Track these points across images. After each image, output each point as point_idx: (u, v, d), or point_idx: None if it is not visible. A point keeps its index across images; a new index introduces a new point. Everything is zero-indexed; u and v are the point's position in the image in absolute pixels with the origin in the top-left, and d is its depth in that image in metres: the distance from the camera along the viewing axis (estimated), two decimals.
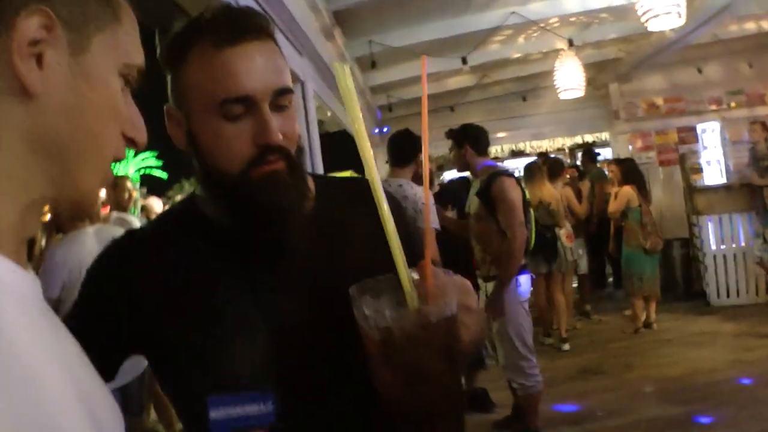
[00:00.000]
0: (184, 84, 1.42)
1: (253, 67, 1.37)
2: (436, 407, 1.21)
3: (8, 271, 0.84)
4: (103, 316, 1.48)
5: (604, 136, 14.08)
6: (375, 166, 1.25)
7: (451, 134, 5.93)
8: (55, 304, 4.38)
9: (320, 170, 5.48)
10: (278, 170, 1.41)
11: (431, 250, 1.24)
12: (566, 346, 8.64)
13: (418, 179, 5.28)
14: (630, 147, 12.38)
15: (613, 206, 9.39)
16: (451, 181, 8.98)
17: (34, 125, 0.86)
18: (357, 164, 1.33)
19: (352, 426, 1.44)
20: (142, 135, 1.02)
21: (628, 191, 9.13)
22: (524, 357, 5.43)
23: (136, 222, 6.48)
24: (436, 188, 7.01)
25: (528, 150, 15.43)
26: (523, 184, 5.74)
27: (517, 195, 5.36)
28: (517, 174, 9.89)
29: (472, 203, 5.74)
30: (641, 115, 12.48)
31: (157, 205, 9.02)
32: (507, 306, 5.36)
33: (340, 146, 6.11)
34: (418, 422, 1.22)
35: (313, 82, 6.39)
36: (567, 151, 15.05)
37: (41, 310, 0.90)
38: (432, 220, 3.86)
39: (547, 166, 9.71)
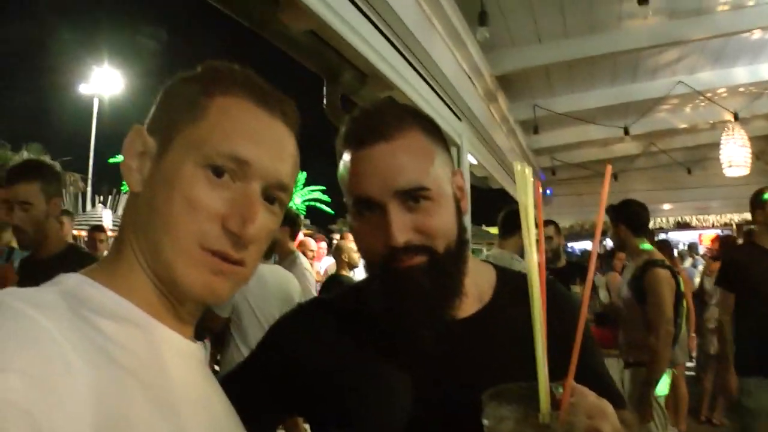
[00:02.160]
0: (340, 179, 1.50)
1: (373, 171, 1.41)
2: None
3: (182, 342, 1.08)
4: (273, 373, 1.58)
5: None
6: (536, 268, 1.22)
7: (609, 210, 5.78)
8: (225, 321, 4.94)
9: (468, 224, 5.51)
10: (414, 266, 1.41)
11: (574, 365, 1.22)
12: None
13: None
14: None
15: None
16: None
17: (137, 216, 1.07)
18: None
19: None
20: (243, 228, 1.05)
21: None
22: None
23: (306, 263, 6.68)
24: (563, 263, 6.79)
25: (694, 223, 14.93)
26: (678, 276, 5.48)
27: (669, 290, 5.16)
28: (682, 246, 9.58)
29: (623, 288, 5.62)
30: None
31: (312, 245, 9.21)
32: (636, 399, 5.19)
33: (498, 203, 6.13)
34: None
35: (470, 144, 6.43)
36: (735, 226, 14.45)
37: (205, 371, 1.14)
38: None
39: (717, 246, 9.37)
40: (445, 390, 1.44)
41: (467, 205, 1.59)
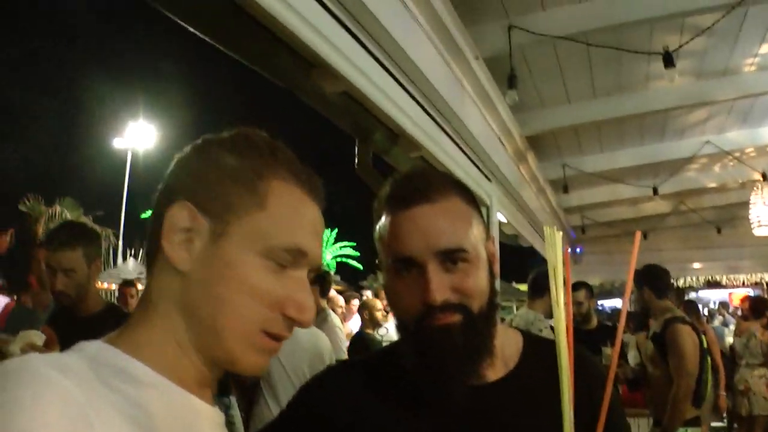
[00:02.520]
0: (377, 236, 1.55)
1: (416, 230, 1.45)
2: None
3: (192, 400, 1.07)
4: None
5: None
6: (565, 329, 1.31)
7: (634, 275, 5.80)
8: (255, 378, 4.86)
9: (497, 281, 5.54)
10: (450, 324, 1.44)
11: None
12: None
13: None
14: None
15: None
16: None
17: (184, 295, 1.05)
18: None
19: None
20: (302, 315, 1.09)
21: None
22: None
23: (337, 321, 6.72)
24: (594, 324, 6.77)
25: (724, 281, 14.83)
26: (702, 333, 5.51)
27: (690, 344, 5.21)
28: (712, 305, 9.53)
29: (649, 346, 5.65)
30: None
31: (341, 301, 9.25)
32: None
33: (528, 259, 6.19)
34: None
35: (499, 203, 6.48)
36: (765, 285, 14.35)
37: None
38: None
39: (747, 305, 9.32)
40: None
41: (498, 268, 1.63)
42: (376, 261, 1.61)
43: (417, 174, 1.59)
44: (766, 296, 13.09)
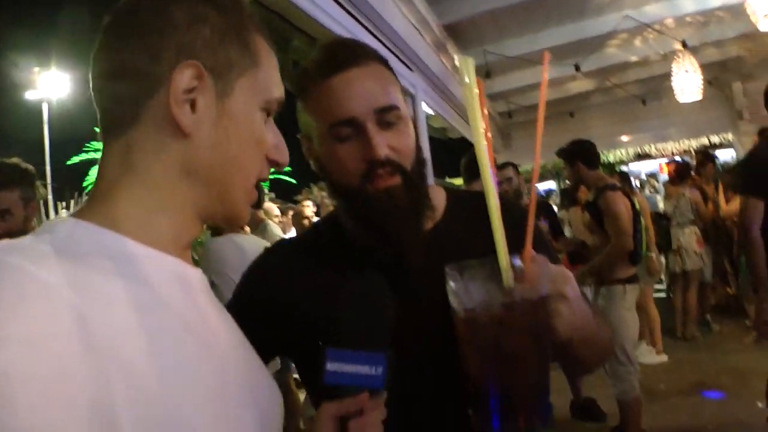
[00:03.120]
0: (305, 114, 1.62)
1: (353, 92, 1.52)
2: (516, 388, 1.29)
3: (185, 267, 1.07)
4: (253, 319, 1.54)
5: (730, 136, 13.58)
6: (489, 167, 1.35)
7: (562, 153, 6.12)
8: None
9: (431, 176, 5.60)
10: (393, 186, 1.53)
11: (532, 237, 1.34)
12: (661, 358, 8.55)
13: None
14: None
15: (726, 209, 9.17)
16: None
17: (189, 158, 1.04)
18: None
19: (449, 402, 1.50)
20: (284, 157, 1.18)
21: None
22: (622, 363, 5.53)
23: (277, 230, 6.82)
24: (526, 202, 6.92)
25: (653, 153, 15.09)
26: (632, 197, 5.83)
27: (622, 206, 5.57)
28: (643, 177, 9.74)
29: (585, 216, 6.09)
30: (766, 114, 11.94)
31: (276, 210, 9.32)
32: (612, 313, 5.57)
33: (459, 153, 6.19)
34: (493, 398, 1.29)
35: (424, 94, 6.49)
36: (693, 153, 14.63)
37: (212, 297, 1.14)
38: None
39: (673, 170, 9.58)
40: (417, 297, 1.54)
41: (415, 129, 1.67)
42: (298, 135, 1.67)
43: (341, 42, 1.66)
44: (692, 162, 13.40)
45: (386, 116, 1.53)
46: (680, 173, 9.75)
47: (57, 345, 0.77)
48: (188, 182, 1.05)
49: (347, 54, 1.56)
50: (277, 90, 1.16)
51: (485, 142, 1.35)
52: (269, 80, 1.14)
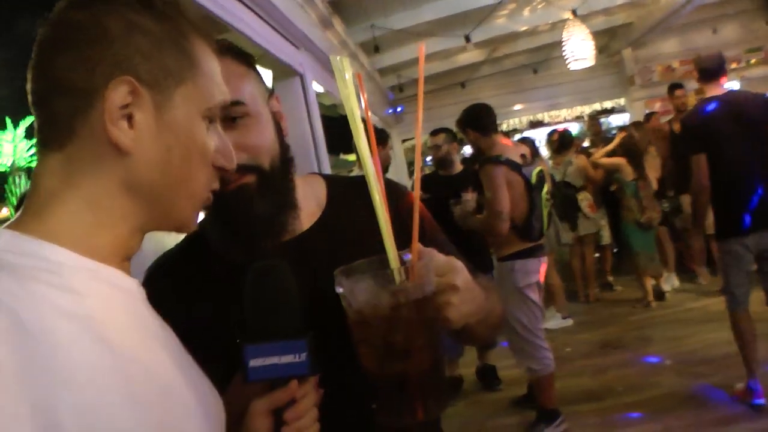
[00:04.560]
0: None
1: None
2: (410, 380, 1.31)
3: (124, 278, 1.04)
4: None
5: (622, 101, 13.86)
6: (369, 156, 1.34)
7: (457, 124, 5.98)
8: None
9: (325, 156, 5.49)
10: (243, 185, 1.48)
11: (419, 230, 1.34)
12: (567, 322, 8.68)
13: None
14: (646, 111, 12.06)
15: (594, 174, 9.45)
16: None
17: (130, 175, 1.01)
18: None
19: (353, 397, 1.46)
20: (231, 162, 1.17)
21: (616, 161, 9.04)
22: (528, 341, 5.46)
23: None
24: (458, 169, 6.91)
25: (546, 120, 15.28)
26: (525, 170, 5.60)
27: (500, 182, 5.31)
28: (537, 143, 9.87)
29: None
30: (657, 79, 12.30)
31: None
32: (503, 292, 5.35)
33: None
34: (392, 391, 1.33)
35: (313, 72, 6.38)
36: (586, 118, 14.87)
37: (149, 307, 1.10)
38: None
39: (556, 139, 9.71)
40: (314, 295, 1.47)
41: (286, 126, 1.66)
42: None
43: None
44: (586, 127, 13.64)
45: (228, 113, 1.46)
46: (563, 141, 9.89)
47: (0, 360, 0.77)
48: (130, 198, 1.03)
49: None
50: (220, 94, 1.13)
51: (365, 142, 1.35)
52: (211, 85, 1.11)
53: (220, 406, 1.18)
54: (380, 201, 1.34)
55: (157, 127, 1.02)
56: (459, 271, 1.36)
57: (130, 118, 0.99)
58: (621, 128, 10.60)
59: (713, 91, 5.32)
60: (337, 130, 4.48)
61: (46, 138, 1.02)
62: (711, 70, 5.33)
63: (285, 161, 1.58)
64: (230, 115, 1.47)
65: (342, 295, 1.33)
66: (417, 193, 1.37)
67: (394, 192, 1.60)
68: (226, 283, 1.51)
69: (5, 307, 0.81)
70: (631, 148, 9.07)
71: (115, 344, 0.91)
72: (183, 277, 1.62)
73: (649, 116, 10.77)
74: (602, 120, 12.94)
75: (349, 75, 1.31)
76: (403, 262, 1.33)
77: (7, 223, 1.00)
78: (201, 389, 1.11)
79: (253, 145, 1.50)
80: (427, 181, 6.83)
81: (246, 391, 1.27)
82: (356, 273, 1.34)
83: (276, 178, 1.54)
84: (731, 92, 5.45)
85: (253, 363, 1.21)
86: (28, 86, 1.03)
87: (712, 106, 5.25)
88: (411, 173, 12.08)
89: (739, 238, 5.11)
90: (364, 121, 1.37)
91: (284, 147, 1.60)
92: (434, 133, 7.04)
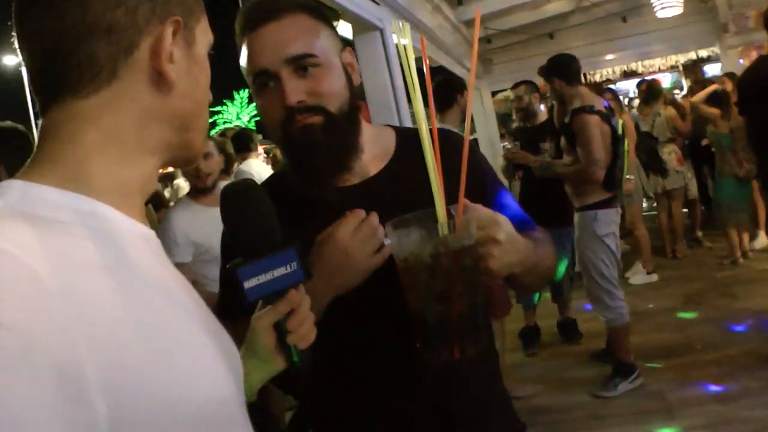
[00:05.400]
0: (242, 66, 1.71)
1: (264, 45, 1.63)
2: (449, 322, 1.45)
3: (144, 228, 1.05)
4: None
5: (717, 50, 13.39)
6: (424, 115, 1.52)
7: (541, 71, 6.06)
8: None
9: (405, 108, 5.52)
10: (309, 124, 1.63)
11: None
12: (651, 278, 8.52)
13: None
14: (741, 61, 11.58)
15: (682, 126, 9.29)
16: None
17: (164, 109, 1.05)
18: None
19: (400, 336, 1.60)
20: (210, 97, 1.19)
21: (712, 111, 8.70)
22: (605, 290, 5.50)
23: (255, 164, 6.79)
24: (540, 120, 6.94)
25: (640, 69, 14.95)
26: (613, 120, 5.63)
27: (596, 132, 5.37)
28: (632, 94, 9.65)
29: (562, 138, 5.87)
30: (752, 26, 11.80)
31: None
32: (585, 240, 5.52)
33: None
34: (434, 332, 1.48)
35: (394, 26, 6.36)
36: (681, 68, 14.46)
37: (165, 256, 1.10)
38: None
39: (644, 89, 9.49)
40: None
41: (357, 78, 1.77)
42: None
43: (261, 1, 1.70)
44: (682, 78, 13.27)
45: (301, 63, 1.61)
46: (651, 92, 9.67)
47: (18, 320, 0.74)
48: (159, 132, 1.06)
49: (263, 12, 1.64)
50: (211, 32, 1.17)
51: (422, 104, 1.51)
52: (207, 23, 1.16)
53: (237, 352, 1.18)
54: (431, 156, 1.49)
55: (187, 61, 1.07)
56: (501, 225, 1.49)
57: (170, 57, 1.03)
58: (725, 75, 10.13)
59: None
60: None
61: (75, 83, 0.99)
62: None
63: (352, 108, 1.70)
64: (302, 65, 1.61)
65: (390, 245, 1.51)
66: (465, 152, 1.50)
67: (454, 143, 1.67)
68: (300, 217, 1.65)
69: (22, 263, 0.78)
70: (723, 98, 8.73)
71: (136, 296, 0.91)
72: None
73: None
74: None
75: (408, 40, 1.48)
76: (450, 216, 1.46)
77: (21, 171, 0.99)
78: (222, 340, 1.11)
79: (322, 91, 1.63)
80: (514, 134, 7.13)
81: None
82: (403, 225, 1.47)
83: (342, 122, 1.66)
84: None
85: (248, 284, 1.25)
86: (48, 29, 0.98)
87: None
88: (505, 125, 11.93)
89: None
90: (420, 73, 1.51)
91: (353, 95, 1.72)
92: (515, 86, 7.17)
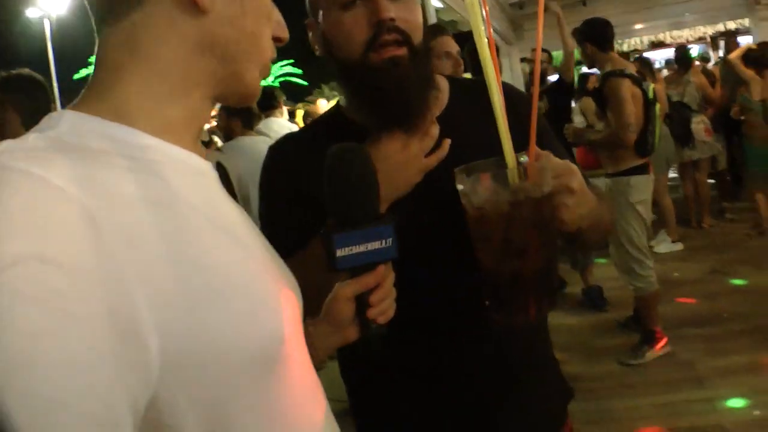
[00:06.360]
0: None
1: None
2: (524, 278, 1.38)
3: (198, 160, 1.02)
4: (290, 203, 1.70)
5: (747, 22, 13.24)
6: (492, 63, 1.40)
7: (574, 32, 5.98)
8: None
9: None
10: (398, 56, 1.54)
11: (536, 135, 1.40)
12: (676, 246, 8.49)
13: None
14: None
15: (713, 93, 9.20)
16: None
17: (204, 35, 0.99)
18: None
19: (467, 293, 1.55)
20: (286, 33, 1.15)
21: (748, 72, 8.51)
22: (635, 259, 5.45)
23: (285, 126, 6.65)
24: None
25: (668, 40, 14.84)
26: (645, 85, 5.54)
27: (627, 96, 5.29)
28: (658, 65, 9.58)
29: (591, 103, 5.80)
30: None
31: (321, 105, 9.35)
32: (618, 207, 5.39)
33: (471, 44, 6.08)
34: (506, 289, 1.41)
35: None
36: (709, 39, 14.36)
37: (224, 190, 1.08)
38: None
39: (677, 56, 9.41)
40: (425, 183, 1.60)
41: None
42: (305, 21, 1.69)
43: None
44: (710, 50, 13.15)
45: None
46: (682, 59, 9.55)
47: (70, 257, 0.73)
48: (203, 61, 1.01)
49: None
50: None
51: (488, 46, 1.39)
52: None
53: (299, 293, 1.16)
54: (500, 104, 1.39)
55: None
56: (575, 174, 1.42)
57: None
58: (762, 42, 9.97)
59: None
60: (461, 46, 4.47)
61: (108, 8, 0.98)
62: None
63: (427, 45, 1.63)
64: None
65: (463, 192, 1.40)
66: (536, 96, 1.43)
67: (513, 96, 1.67)
68: None
69: (72, 197, 0.76)
70: (759, 58, 8.59)
71: (192, 233, 0.89)
72: (313, 151, 1.57)
73: None
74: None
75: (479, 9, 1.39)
76: (520, 164, 1.38)
77: (72, 104, 0.97)
78: (284, 275, 1.11)
79: (412, 19, 1.55)
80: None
81: (328, 277, 1.31)
82: (476, 171, 1.39)
83: (423, 56, 1.59)
84: None
85: (341, 252, 1.22)
86: None
87: None
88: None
89: None
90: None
91: (427, 33, 1.64)
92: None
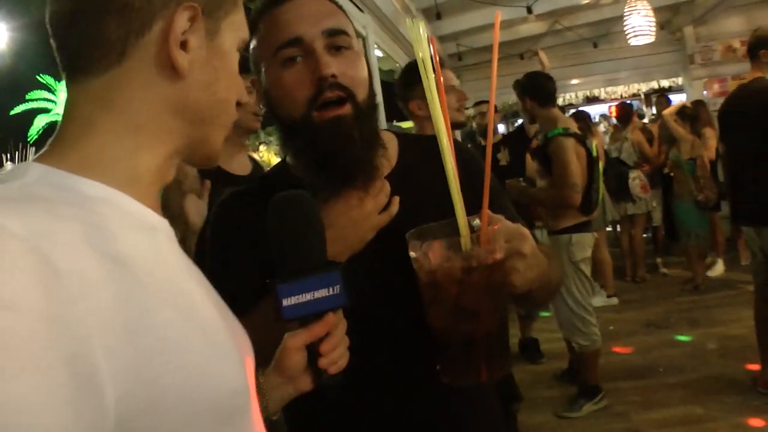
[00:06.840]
0: (255, 47, 1.61)
1: (302, 13, 1.53)
2: (476, 341, 1.36)
3: (158, 218, 1.03)
4: (238, 256, 1.64)
5: (680, 80, 13.62)
6: (443, 119, 1.37)
7: (515, 85, 5.91)
8: None
9: (383, 122, 5.49)
10: (342, 115, 1.51)
11: (488, 198, 1.37)
12: (612, 301, 8.61)
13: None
14: (705, 92, 11.85)
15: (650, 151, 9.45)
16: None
17: (178, 98, 1.02)
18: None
19: (417, 358, 1.54)
20: (246, 97, 1.23)
21: (680, 131, 8.72)
22: (579, 317, 5.41)
23: None
24: (498, 138, 7.28)
25: (603, 96, 15.15)
26: (588, 143, 5.54)
27: (571, 156, 5.25)
28: (595, 119, 9.76)
29: (534, 162, 5.79)
30: (717, 59, 12.02)
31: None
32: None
33: None
34: (458, 352, 1.38)
35: (375, 35, 6.39)
36: (643, 96, 14.71)
37: (179, 248, 1.08)
38: None
39: (618, 112, 9.62)
40: (377, 241, 1.58)
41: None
42: (248, 81, 1.65)
43: None
44: (644, 106, 13.45)
45: (336, 40, 1.52)
46: (622, 115, 9.85)
47: (29, 302, 0.72)
48: (174, 122, 1.03)
49: None
50: (246, 31, 1.16)
51: (440, 107, 1.38)
52: (243, 21, 1.14)
53: (250, 345, 1.15)
54: (452, 167, 1.37)
55: (207, 52, 1.04)
56: (526, 238, 1.39)
57: (185, 44, 1.00)
58: (695, 101, 10.24)
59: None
60: (393, 97, 4.45)
61: (86, 61, 0.99)
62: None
63: (372, 100, 1.60)
64: (336, 44, 1.52)
65: (414, 258, 1.37)
66: (488, 159, 1.39)
67: (464, 155, 1.66)
68: None
69: (34, 246, 0.76)
70: (693, 116, 8.88)
71: (151, 285, 0.89)
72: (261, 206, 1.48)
73: None
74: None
75: (425, 38, 1.36)
76: (471, 228, 1.36)
77: (39, 154, 0.98)
78: (235, 329, 1.11)
79: (354, 75, 1.53)
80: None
81: (280, 328, 1.30)
82: (428, 236, 1.37)
83: (367, 113, 1.56)
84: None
85: (287, 302, 1.21)
86: (61, 7, 1.00)
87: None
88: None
89: None
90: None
91: (372, 89, 1.61)
92: (478, 103, 7.72)
